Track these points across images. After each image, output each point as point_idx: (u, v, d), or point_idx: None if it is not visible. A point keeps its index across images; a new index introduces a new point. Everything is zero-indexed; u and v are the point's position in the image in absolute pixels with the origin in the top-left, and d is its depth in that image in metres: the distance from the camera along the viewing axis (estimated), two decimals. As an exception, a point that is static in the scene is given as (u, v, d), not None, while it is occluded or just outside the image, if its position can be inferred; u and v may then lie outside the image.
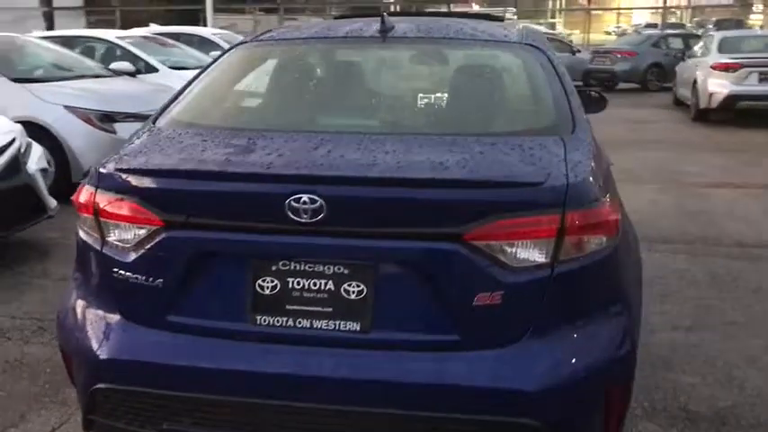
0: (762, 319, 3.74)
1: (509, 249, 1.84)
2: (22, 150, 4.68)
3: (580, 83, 16.17)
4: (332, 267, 1.95)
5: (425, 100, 2.79)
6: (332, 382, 1.90)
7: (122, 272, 2.04)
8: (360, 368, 1.90)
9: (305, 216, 1.88)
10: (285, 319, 1.98)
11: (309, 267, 1.96)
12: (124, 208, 2.01)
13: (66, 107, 6.11)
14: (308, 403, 1.91)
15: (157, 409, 2.03)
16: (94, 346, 2.08)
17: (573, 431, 1.97)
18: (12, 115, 5.18)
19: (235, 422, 2.00)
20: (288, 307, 1.98)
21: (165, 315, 2.03)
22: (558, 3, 36.48)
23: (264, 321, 1.98)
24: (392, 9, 27.71)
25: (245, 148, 2.11)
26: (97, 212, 2.06)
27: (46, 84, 6.52)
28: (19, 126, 4.86)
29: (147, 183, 2.01)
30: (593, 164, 2.04)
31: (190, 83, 2.71)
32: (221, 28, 17.47)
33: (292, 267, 1.97)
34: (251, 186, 1.95)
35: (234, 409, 1.97)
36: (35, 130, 5.61)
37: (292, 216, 1.88)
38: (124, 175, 2.03)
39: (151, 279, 2.01)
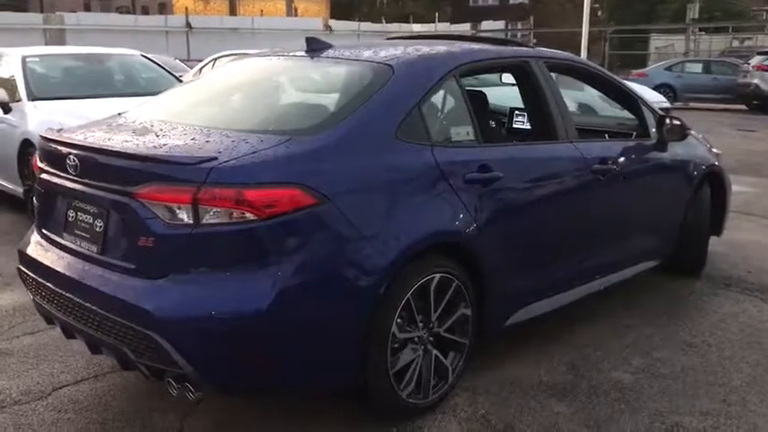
0: None
1: (162, 207, 2.55)
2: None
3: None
4: (90, 207, 2.83)
5: (251, 103, 3.44)
6: (79, 284, 2.80)
7: (36, 202, 3.22)
8: (92, 277, 2.76)
9: (72, 171, 2.83)
10: (73, 238, 2.91)
11: (83, 206, 2.86)
12: (43, 162, 3.12)
13: None
14: (72, 295, 2.81)
15: (35, 285, 3.07)
16: (22, 241, 3.23)
17: (196, 354, 2.52)
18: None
19: (55, 302, 2.93)
20: (76, 231, 2.90)
21: (41, 228, 3.11)
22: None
23: (65, 238, 2.94)
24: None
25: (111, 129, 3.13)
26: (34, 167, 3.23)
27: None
28: None
29: (43, 146, 3.10)
30: (276, 156, 2.60)
31: None
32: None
33: (79, 204, 2.89)
34: (70, 150, 2.89)
35: (53, 292, 2.91)
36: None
37: (70, 170, 2.84)
38: (43, 143, 3.11)
39: (39, 206, 3.14)
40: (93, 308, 2.71)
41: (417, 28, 30.90)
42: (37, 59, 7.04)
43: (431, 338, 3.05)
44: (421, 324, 3.00)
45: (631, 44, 32.38)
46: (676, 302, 4.51)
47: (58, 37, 23.61)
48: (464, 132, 3.27)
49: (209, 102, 3.47)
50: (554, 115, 3.69)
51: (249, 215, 2.51)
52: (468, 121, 3.29)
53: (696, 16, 31.09)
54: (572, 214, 3.69)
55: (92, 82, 7.13)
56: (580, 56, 18.80)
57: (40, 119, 5.96)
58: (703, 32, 31.98)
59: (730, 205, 5.22)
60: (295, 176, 2.59)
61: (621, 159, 4.05)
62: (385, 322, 2.80)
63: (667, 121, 4.38)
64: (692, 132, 4.84)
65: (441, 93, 3.29)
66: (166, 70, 7.87)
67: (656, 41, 32.73)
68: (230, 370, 2.59)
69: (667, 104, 11.93)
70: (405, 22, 34.26)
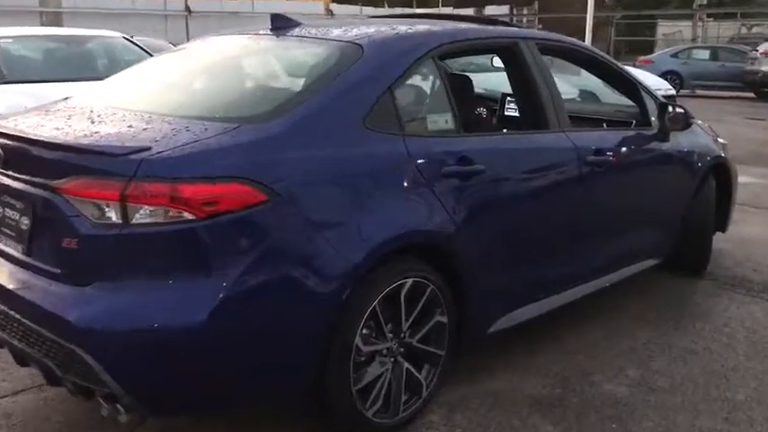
0: None
1: (88, 204, 2.23)
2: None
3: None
4: (17, 203, 2.51)
5: (203, 86, 3.10)
6: (2, 288, 2.48)
7: None
8: (16, 281, 2.44)
9: None
10: (2, 236, 2.59)
11: (11, 201, 2.54)
12: None
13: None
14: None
15: None
16: None
17: (122, 370, 2.21)
18: None
19: None
20: (3, 229, 2.58)
21: None
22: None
23: None
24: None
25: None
26: None
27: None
28: None
29: None
30: (219, 146, 2.29)
31: None
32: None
33: (6, 199, 2.56)
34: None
35: None
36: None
37: None
38: None
39: None
40: (17, 316, 2.40)
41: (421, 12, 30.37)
42: (10, 41, 6.72)
43: (402, 350, 2.74)
44: (390, 334, 2.69)
45: (638, 30, 31.84)
46: (677, 305, 4.19)
47: (54, 20, 23.22)
48: (442, 121, 2.94)
49: (159, 85, 3.14)
50: (545, 102, 3.37)
51: (186, 214, 2.20)
52: (448, 107, 2.96)
53: (704, 2, 30.50)
54: (563, 211, 3.38)
55: (68, 65, 6.80)
56: (585, 41, 18.43)
57: (8, 103, 5.63)
58: (711, 18, 31.44)
59: (736, 198, 4.89)
60: (241, 169, 2.28)
61: (619, 150, 3.73)
62: (347, 334, 2.50)
63: (670, 108, 4.04)
64: (697, 121, 4.51)
65: (417, 76, 2.96)
66: (149, 53, 7.53)
67: (664, 27, 32.22)
68: (164, 390, 2.29)
69: (673, 92, 11.52)
70: (408, 6, 33.74)
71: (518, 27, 3.56)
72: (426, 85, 3.04)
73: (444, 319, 2.85)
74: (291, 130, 2.44)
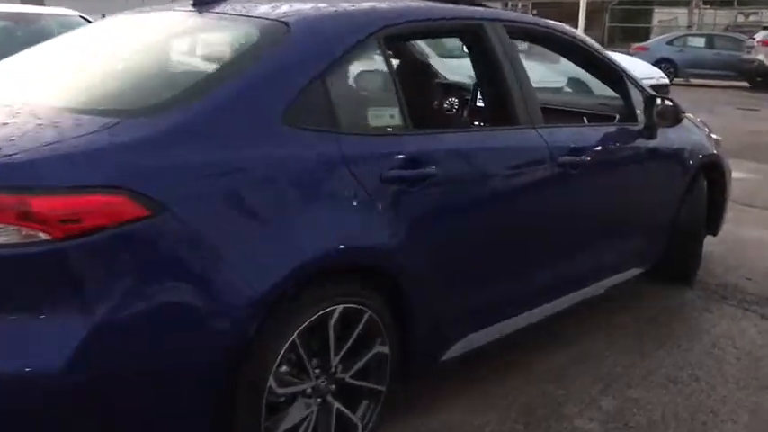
0: None
1: None
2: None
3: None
4: None
5: (94, 71, 2.59)
6: None
7: None
8: None
9: None
10: None
11: None
12: None
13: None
14: None
15: None
16: None
17: None
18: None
19: None
20: None
21: None
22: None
23: None
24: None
25: None
26: None
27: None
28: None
29: None
30: (88, 148, 1.85)
31: None
32: None
33: None
34: None
35: None
36: None
37: None
38: None
39: None
40: None
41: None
42: (-48, 18, 6.23)
43: (332, 387, 2.31)
44: (317, 370, 2.26)
45: (634, 17, 31.32)
46: (662, 320, 3.77)
47: (36, -1, 22.59)
48: (388, 115, 2.50)
49: (46, 71, 2.67)
50: (513, 94, 2.93)
51: (42, 234, 1.75)
52: (395, 100, 2.52)
53: (701, -11, 30.09)
54: (532, 219, 2.95)
55: (18, 44, 6.29)
56: (577, 28, 17.93)
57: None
58: (708, 6, 30.96)
59: (729, 196, 4.47)
60: (115, 177, 1.83)
61: (598, 149, 3.30)
62: (257, 374, 2.07)
63: (658, 101, 3.61)
64: (689, 116, 4.08)
65: (357, 62, 2.51)
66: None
67: (660, 14, 31.71)
68: None
69: (666, 81, 11.08)
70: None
71: (484, 7, 3.08)
72: (369, 73, 2.58)
73: (386, 350, 2.43)
74: (185, 126, 2.00)
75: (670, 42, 20.35)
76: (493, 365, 3.09)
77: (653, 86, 10.69)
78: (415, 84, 2.98)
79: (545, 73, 3.70)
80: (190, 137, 1.98)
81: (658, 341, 3.50)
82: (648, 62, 14.79)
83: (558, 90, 6.40)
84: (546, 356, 3.26)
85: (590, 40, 3.62)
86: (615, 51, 14.20)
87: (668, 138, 3.74)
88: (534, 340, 3.28)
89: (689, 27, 27.24)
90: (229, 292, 1.97)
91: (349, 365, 2.34)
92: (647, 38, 25.71)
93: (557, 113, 3.68)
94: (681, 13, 30.32)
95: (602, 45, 21.66)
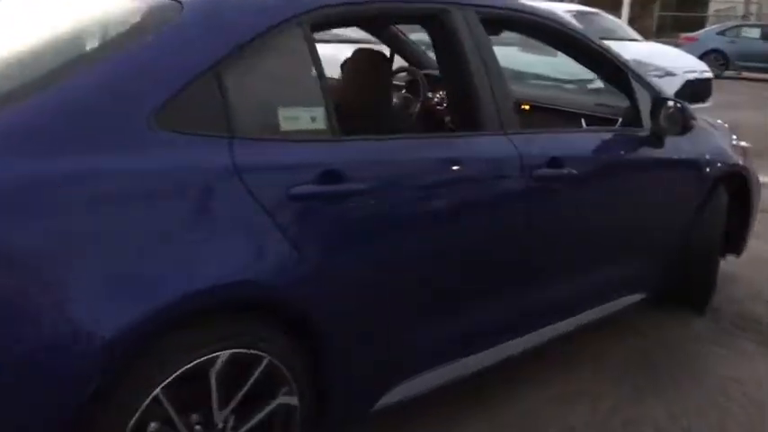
0: None
1: None
2: None
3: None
4: None
5: None
6: None
7: None
8: None
9: None
10: None
11: None
12: None
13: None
14: None
15: None
16: None
17: None
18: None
19: None
20: None
21: None
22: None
23: None
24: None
25: None
26: None
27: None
28: None
29: None
30: None
31: None
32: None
33: None
34: None
35: None
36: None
37: None
38: None
39: None
40: None
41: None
42: None
43: None
44: (197, 426, 1.86)
45: (689, 5, 30.04)
46: (660, 357, 3.28)
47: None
48: (306, 118, 2.08)
49: None
50: (480, 93, 2.48)
51: None
52: (318, 99, 2.09)
53: (761, -25, 28.65)
54: (491, 242, 2.50)
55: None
56: (621, 17, 17.07)
57: None
58: (768, -6, 29.54)
59: (757, 211, 3.93)
60: None
61: (590, 158, 2.84)
62: None
63: (669, 103, 3.10)
64: (707, 120, 3.57)
65: (270, 51, 2.05)
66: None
67: (717, 3, 30.39)
68: None
69: (710, 74, 10.36)
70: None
71: None
72: (287, 66, 2.14)
73: (293, 401, 2.02)
74: (12, 130, 1.60)
75: (721, 33, 19.34)
76: (448, 406, 2.65)
77: (695, 80, 10.09)
78: (358, 80, 2.54)
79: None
80: (17, 144, 1.59)
81: (652, 382, 3.02)
82: (698, 54, 14.03)
83: (587, 84, 5.88)
84: (513, 399, 2.80)
85: (582, 31, 3.10)
86: (656, 41, 13.48)
87: (679, 146, 3.24)
88: (506, 375, 2.82)
89: (743, 17, 25.98)
90: (68, 337, 1.58)
91: (242, 421, 1.94)
92: (701, 28, 24.62)
93: (549, 116, 3.21)
94: (739, 2, 29.00)
95: (652, 35, 20.76)
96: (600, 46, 3.11)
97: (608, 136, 3.06)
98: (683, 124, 3.12)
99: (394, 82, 3.64)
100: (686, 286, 3.58)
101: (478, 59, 2.50)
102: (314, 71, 2.09)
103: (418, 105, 3.46)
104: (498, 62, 2.59)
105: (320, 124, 2.08)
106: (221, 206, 1.83)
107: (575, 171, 2.70)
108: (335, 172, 2.03)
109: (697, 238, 3.46)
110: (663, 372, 3.12)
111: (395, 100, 3.50)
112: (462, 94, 2.51)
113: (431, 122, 3.38)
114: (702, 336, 3.51)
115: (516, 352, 2.67)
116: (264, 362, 1.93)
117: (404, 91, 3.65)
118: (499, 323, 2.60)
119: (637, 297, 3.30)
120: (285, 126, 2.02)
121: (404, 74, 3.72)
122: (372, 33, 3.87)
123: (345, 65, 2.89)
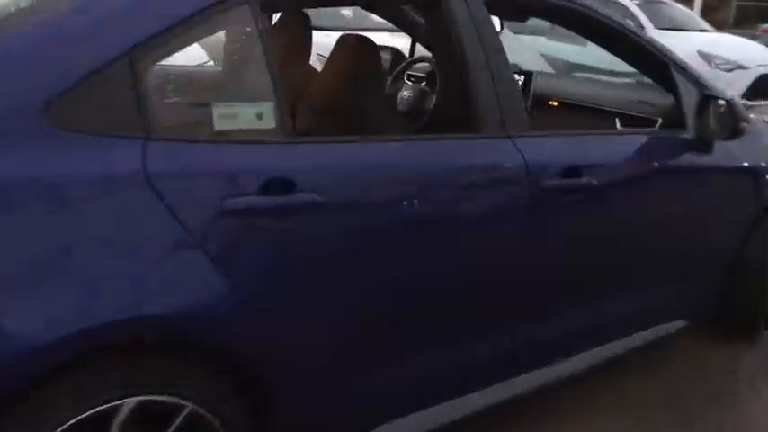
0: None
1: None
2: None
3: None
4: None
5: None
6: None
7: None
8: None
9: None
10: None
11: None
12: None
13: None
14: None
15: None
16: None
17: None
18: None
19: None
20: None
21: None
22: None
23: None
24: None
25: None
26: None
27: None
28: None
29: None
30: None
31: None
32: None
33: None
34: None
35: None
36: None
37: None
38: None
39: None
40: None
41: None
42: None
43: None
44: None
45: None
46: (697, 400, 2.81)
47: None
48: (249, 116, 1.73)
49: None
50: (480, 89, 2.09)
51: None
52: (267, 92, 1.74)
53: None
54: (485, 264, 2.12)
55: None
56: (693, 8, 16.14)
57: None
58: None
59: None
60: None
61: (617, 167, 2.43)
62: None
63: (721, 102, 2.65)
64: (765, 121, 3.08)
65: (201, 34, 1.71)
66: None
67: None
68: None
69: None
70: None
71: None
72: (227, 52, 1.80)
73: (225, 454, 1.69)
74: None
75: (804, 24, 18.16)
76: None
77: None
78: (339, 72, 2.19)
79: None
80: None
81: (684, 420, 2.58)
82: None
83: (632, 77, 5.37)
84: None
85: (614, 17, 2.66)
86: (732, 33, 12.62)
87: (729, 152, 2.78)
88: (514, 408, 2.41)
89: (832, 7, 24.38)
90: None
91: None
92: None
93: (575, 114, 2.80)
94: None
95: (729, 26, 19.66)
96: (633, 33, 2.66)
97: (643, 139, 2.63)
98: (734, 126, 2.65)
99: (411, 73, 3.29)
100: (736, 313, 3.12)
101: (478, 48, 2.11)
102: (263, 58, 1.74)
103: (434, 100, 3.08)
104: (505, 54, 2.20)
105: (268, 123, 1.74)
106: (125, 222, 1.51)
107: (595, 181, 2.28)
108: (284, 180, 1.69)
109: (750, 259, 2.99)
110: (694, 419, 2.66)
111: (409, 94, 3.13)
112: (456, 89, 2.13)
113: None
114: (754, 373, 3.03)
115: (517, 392, 2.28)
116: (185, 411, 1.60)
117: (423, 84, 3.27)
118: (495, 358, 2.21)
119: (677, 325, 2.86)
120: (220, 125, 1.68)
121: (424, 64, 3.34)
122: (389, 20, 3.51)
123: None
